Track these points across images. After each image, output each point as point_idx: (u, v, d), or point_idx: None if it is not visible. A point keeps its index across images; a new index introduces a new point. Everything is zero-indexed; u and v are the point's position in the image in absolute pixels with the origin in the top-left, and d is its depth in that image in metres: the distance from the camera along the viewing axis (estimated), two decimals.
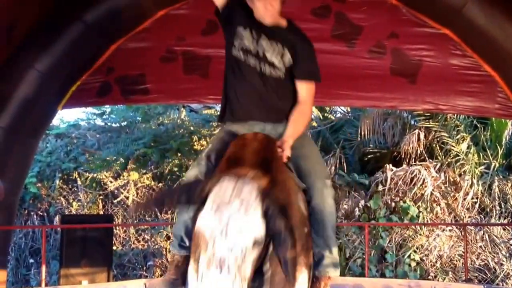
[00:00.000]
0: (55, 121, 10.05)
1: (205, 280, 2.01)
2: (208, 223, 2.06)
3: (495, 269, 9.01)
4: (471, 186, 9.35)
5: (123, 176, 9.80)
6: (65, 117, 11.28)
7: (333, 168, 9.59)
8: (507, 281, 8.77)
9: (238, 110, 2.98)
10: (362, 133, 9.85)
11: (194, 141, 9.88)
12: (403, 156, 9.63)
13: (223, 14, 3.05)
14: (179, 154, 9.72)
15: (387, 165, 9.49)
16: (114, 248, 8.15)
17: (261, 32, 2.95)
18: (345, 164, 9.83)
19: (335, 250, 2.88)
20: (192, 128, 10.09)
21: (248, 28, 2.96)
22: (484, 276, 9.01)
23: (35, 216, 9.98)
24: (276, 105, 2.96)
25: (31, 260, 9.73)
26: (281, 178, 2.41)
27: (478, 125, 9.77)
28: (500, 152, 9.65)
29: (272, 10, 2.90)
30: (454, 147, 9.48)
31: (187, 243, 2.68)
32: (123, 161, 9.72)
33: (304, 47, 2.99)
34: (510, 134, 9.80)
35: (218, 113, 3.30)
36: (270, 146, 2.66)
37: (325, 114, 10.86)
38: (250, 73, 2.94)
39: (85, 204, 9.87)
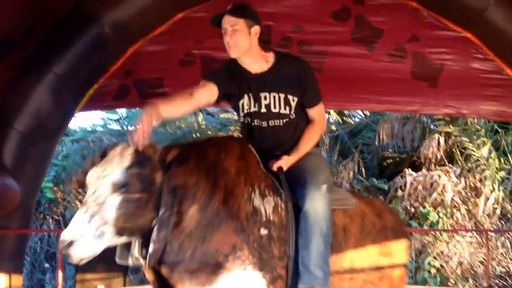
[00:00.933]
0: (71, 126, 10.09)
1: (74, 219, 2.33)
2: (89, 174, 2.42)
3: None
4: (492, 192, 9.28)
5: None
6: (82, 123, 11.40)
7: (351, 172, 9.59)
8: None
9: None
10: (381, 137, 9.83)
11: None
12: (422, 161, 9.63)
13: (220, 99, 3.01)
14: None
15: (406, 170, 9.49)
16: None
17: (257, 89, 2.93)
18: (363, 169, 9.84)
19: (318, 265, 2.66)
20: (209, 132, 10.08)
21: (246, 95, 2.95)
22: (505, 284, 8.92)
23: (50, 220, 10.06)
24: (288, 144, 3.00)
25: (47, 265, 9.82)
26: (205, 160, 2.60)
27: (499, 129, 9.70)
28: None
29: (235, 44, 2.89)
30: (474, 152, 9.42)
31: None
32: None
33: (301, 76, 2.96)
34: None
35: (235, 116, 3.28)
36: (227, 141, 2.92)
37: (344, 118, 10.83)
38: (260, 131, 2.98)
39: None
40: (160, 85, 6.39)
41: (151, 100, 6.55)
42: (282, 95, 2.93)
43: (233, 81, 2.97)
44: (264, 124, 2.96)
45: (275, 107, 2.93)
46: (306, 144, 2.97)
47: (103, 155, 2.47)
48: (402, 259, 3.32)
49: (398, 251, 3.27)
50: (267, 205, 2.67)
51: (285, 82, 2.94)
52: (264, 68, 2.96)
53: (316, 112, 3.05)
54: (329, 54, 6.21)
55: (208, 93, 2.89)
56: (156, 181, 2.41)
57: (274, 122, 2.95)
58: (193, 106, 2.93)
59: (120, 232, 2.36)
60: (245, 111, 2.98)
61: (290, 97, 2.94)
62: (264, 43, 3.05)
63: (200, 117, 10.55)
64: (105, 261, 7.17)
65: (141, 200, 2.38)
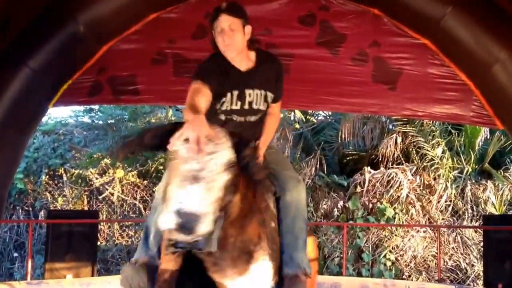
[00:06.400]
0: (43, 118, 10.16)
1: (177, 193, 2.09)
2: (181, 151, 2.18)
3: (466, 270, 9.29)
4: (445, 190, 9.62)
5: (109, 173, 9.92)
6: (53, 114, 11.36)
7: (313, 169, 9.76)
8: (477, 281, 8.99)
9: None
10: (342, 135, 10.05)
11: None
12: (380, 159, 9.86)
13: None
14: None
15: (366, 167, 9.71)
16: (98, 243, 8.26)
17: (243, 86, 2.94)
18: (325, 166, 9.99)
19: (303, 253, 2.86)
20: None
21: (229, 93, 2.92)
22: (456, 276, 9.28)
23: (20, 211, 10.07)
24: (256, 137, 3.07)
25: (15, 254, 9.81)
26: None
27: (453, 131, 10.02)
28: (473, 157, 9.92)
29: (232, 44, 2.86)
30: (429, 151, 9.72)
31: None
32: (111, 158, 9.83)
33: (278, 74, 3.07)
34: (482, 140, 10.07)
35: None
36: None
37: (307, 117, 11.03)
38: (235, 127, 2.92)
39: (70, 199, 9.96)
40: (133, 82, 6.50)
41: (123, 96, 6.72)
42: (263, 93, 2.99)
43: (220, 79, 2.88)
44: (242, 119, 2.98)
45: (256, 104, 2.98)
46: (270, 136, 3.14)
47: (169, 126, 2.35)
48: (312, 254, 3.43)
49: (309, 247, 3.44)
50: (270, 200, 2.85)
51: (266, 79, 3.00)
52: (250, 66, 2.98)
53: (277, 106, 3.16)
54: (295, 56, 6.40)
55: (207, 100, 2.78)
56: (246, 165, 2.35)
57: (251, 118, 3.01)
58: None
59: (220, 211, 2.22)
60: (224, 108, 2.94)
61: (269, 94, 3.02)
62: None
63: (170, 112, 10.69)
64: (74, 251, 7.27)
65: (237, 181, 2.32)
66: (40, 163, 10.30)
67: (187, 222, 2.02)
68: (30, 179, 10.15)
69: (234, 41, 2.86)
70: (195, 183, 2.10)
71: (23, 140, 6.45)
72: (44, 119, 10.38)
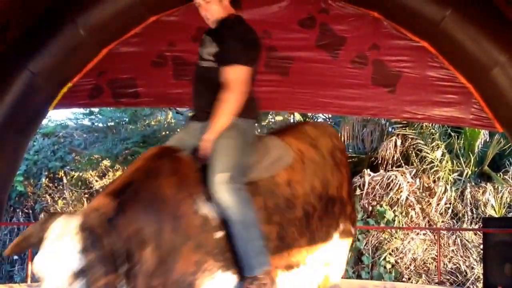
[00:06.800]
0: (43, 121, 10.19)
1: None
2: (39, 261, 2.21)
3: (466, 273, 9.30)
4: (444, 192, 9.64)
5: (109, 176, 9.93)
6: (53, 116, 11.41)
7: None
8: (477, 284, 9.03)
9: (192, 111, 3.23)
10: (342, 138, 10.04)
11: None
12: (380, 162, 9.89)
13: None
14: None
15: (365, 170, 9.73)
16: None
17: (206, 39, 3.07)
18: None
19: (246, 253, 2.69)
20: (178, 130, 10.26)
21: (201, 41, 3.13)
22: (456, 279, 9.28)
23: (20, 213, 10.09)
24: (209, 101, 2.92)
25: (15, 257, 9.81)
26: (141, 199, 2.50)
27: (452, 133, 10.07)
28: (472, 160, 9.96)
29: (210, 17, 3.03)
30: (429, 154, 9.74)
31: None
32: (111, 160, 9.84)
33: (228, 34, 2.97)
34: (482, 142, 10.13)
35: None
36: (154, 162, 2.72)
37: (307, 119, 11.04)
38: (195, 73, 3.13)
39: (70, 202, 9.97)
40: (133, 85, 6.52)
41: (123, 99, 6.73)
42: (210, 42, 3.00)
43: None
44: (200, 65, 3.05)
45: (206, 50, 3.01)
46: (220, 119, 2.83)
47: (44, 225, 2.30)
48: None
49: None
50: (213, 207, 2.68)
51: (217, 35, 3.00)
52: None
53: (230, 73, 2.86)
54: (295, 59, 6.43)
55: None
56: (111, 248, 2.28)
57: (203, 63, 3.02)
58: None
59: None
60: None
61: (214, 46, 2.98)
62: None
63: (170, 115, 10.72)
64: None
65: (105, 278, 2.25)
66: (40, 165, 10.31)
67: None
68: (30, 182, 10.17)
69: (211, 13, 3.05)
70: None
71: (23, 142, 6.46)
72: (44, 121, 10.42)
